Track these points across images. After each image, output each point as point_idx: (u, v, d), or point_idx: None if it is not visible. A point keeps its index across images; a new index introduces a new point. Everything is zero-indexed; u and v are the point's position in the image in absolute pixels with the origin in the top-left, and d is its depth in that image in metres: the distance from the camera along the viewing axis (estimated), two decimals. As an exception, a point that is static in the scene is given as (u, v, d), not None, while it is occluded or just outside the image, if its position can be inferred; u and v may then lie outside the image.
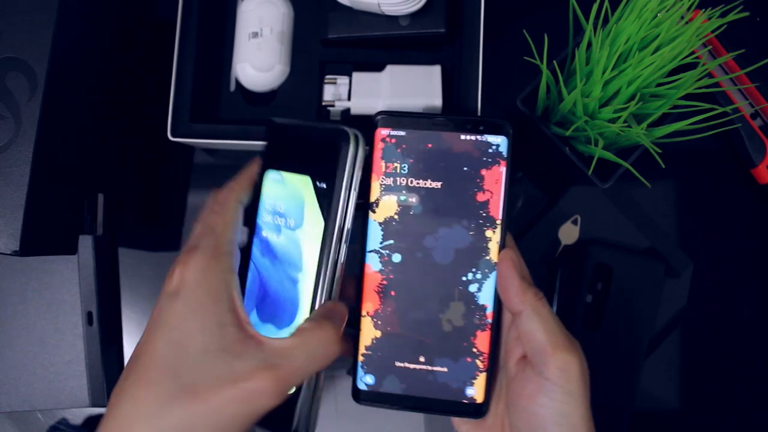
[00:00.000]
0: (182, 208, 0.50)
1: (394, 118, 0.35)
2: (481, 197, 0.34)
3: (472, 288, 0.34)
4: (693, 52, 0.39)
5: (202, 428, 0.25)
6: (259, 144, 0.44)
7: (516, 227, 0.50)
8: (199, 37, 0.45)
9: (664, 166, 0.40)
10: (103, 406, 0.45)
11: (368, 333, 0.34)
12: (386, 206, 0.35)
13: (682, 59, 0.38)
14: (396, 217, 0.35)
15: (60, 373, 0.45)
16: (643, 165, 0.43)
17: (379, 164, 0.35)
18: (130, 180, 0.50)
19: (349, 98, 0.46)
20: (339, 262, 0.31)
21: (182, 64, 0.44)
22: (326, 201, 0.30)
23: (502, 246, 0.34)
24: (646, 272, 0.46)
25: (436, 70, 0.46)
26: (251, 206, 0.33)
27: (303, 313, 0.31)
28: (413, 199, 0.35)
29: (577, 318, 0.46)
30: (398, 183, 0.34)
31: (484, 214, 0.34)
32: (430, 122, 0.34)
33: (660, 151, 0.40)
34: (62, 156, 0.41)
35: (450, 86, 0.46)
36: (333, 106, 0.46)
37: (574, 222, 0.48)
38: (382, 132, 0.35)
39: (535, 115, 0.44)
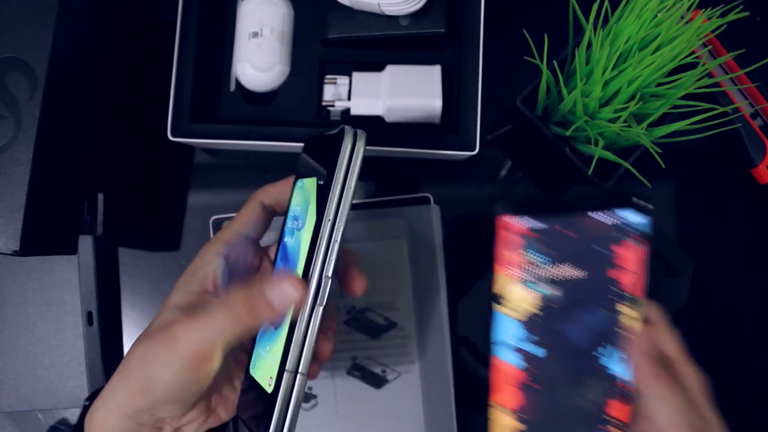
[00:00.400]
0: (182, 208, 0.50)
1: (524, 205, 0.34)
2: (623, 278, 0.32)
3: (610, 363, 0.33)
4: (693, 52, 0.39)
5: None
6: (260, 144, 0.44)
7: (516, 227, 0.50)
8: (199, 37, 0.45)
9: (664, 166, 0.40)
10: (103, 406, 0.45)
11: (510, 427, 0.33)
12: (524, 300, 0.33)
13: (682, 59, 0.38)
14: (537, 311, 0.33)
15: (60, 373, 0.45)
16: (643, 165, 0.43)
17: (511, 256, 0.33)
18: (130, 180, 0.50)
19: (349, 98, 0.46)
20: (329, 258, 0.30)
21: (182, 64, 0.44)
22: (324, 198, 0.30)
23: (642, 323, 0.32)
24: (646, 272, 0.46)
25: (436, 70, 0.46)
26: (283, 220, 0.34)
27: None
28: (553, 291, 0.33)
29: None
30: (535, 275, 0.33)
31: (626, 295, 0.32)
32: (564, 209, 0.33)
33: (660, 151, 0.40)
34: (62, 156, 0.41)
35: (450, 86, 0.46)
36: (333, 106, 0.46)
37: (574, 222, 0.48)
38: (512, 221, 0.34)
39: (535, 115, 0.44)
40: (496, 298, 0.33)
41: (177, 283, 0.33)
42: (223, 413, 0.33)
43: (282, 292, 0.29)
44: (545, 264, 0.33)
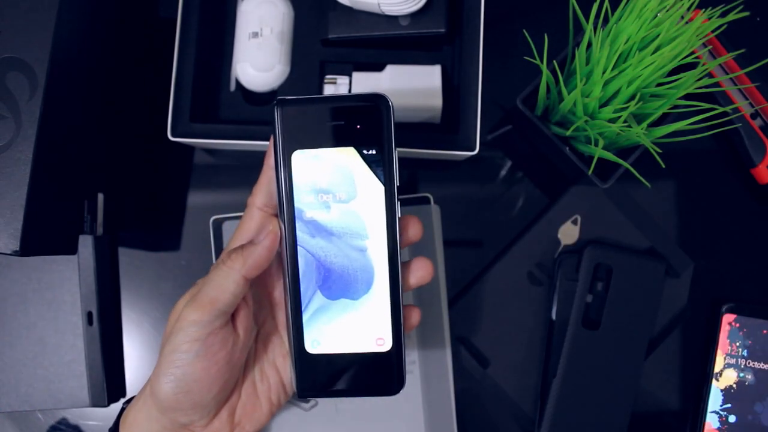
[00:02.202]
0: (182, 208, 0.50)
1: (741, 306, 0.47)
2: None
3: None
4: (693, 52, 0.39)
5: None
6: (260, 144, 0.44)
7: (516, 227, 0.50)
8: (199, 37, 0.45)
9: (664, 166, 0.40)
10: (103, 405, 0.45)
11: None
12: (727, 377, 0.46)
13: (682, 59, 0.38)
14: (734, 386, 0.47)
15: (60, 373, 0.45)
16: (643, 165, 0.43)
17: (725, 343, 0.47)
18: (130, 180, 0.50)
19: (349, 98, 0.46)
20: (398, 217, 0.32)
21: (182, 64, 0.44)
22: (380, 165, 0.31)
23: None
24: (646, 272, 0.46)
25: (436, 70, 0.46)
26: (284, 195, 0.32)
27: (380, 277, 0.32)
28: (749, 373, 0.47)
29: (577, 318, 0.46)
30: (738, 362, 0.47)
31: None
32: None
33: (660, 151, 0.40)
34: (62, 156, 0.41)
35: (450, 86, 0.46)
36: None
37: (574, 222, 0.48)
38: (729, 318, 0.47)
39: (535, 115, 0.44)
40: (716, 376, 0.47)
41: (193, 310, 0.31)
42: (249, 426, 0.34)
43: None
44: (744, 354, 0.47)
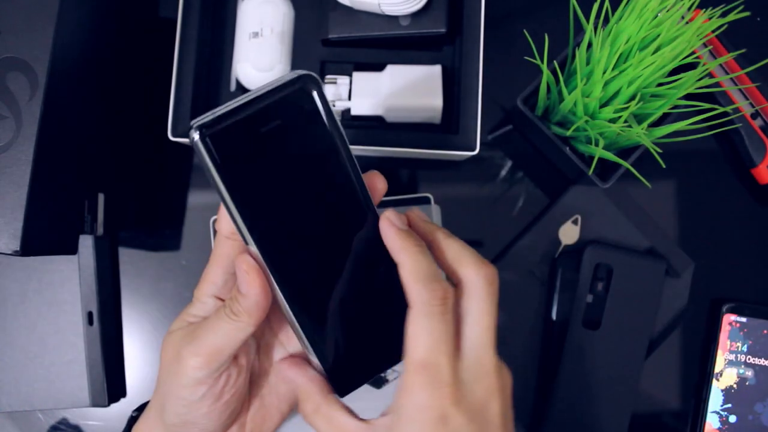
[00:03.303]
0: (182, 208, 0.50)
1: (741, 306, 0.47)
2: None
3: None
4: (693, 52, 0.39)
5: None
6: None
7: (516, 227, 0.50)
8: (199, 37, 0.45)
9: (664, 166, 0.40)
10: (104, 405, 0.45)
11: None
12: (728, 377, 0.46)
13: (683, 59, 0.38)
14: (735, 386, 0.46)
15: (60, 373, 0.45)
16: (643, 165, 0.43)
17: (725, 343, 0.47)
18: (130, 180, 0.50)
19: (349, 98, 0.46)
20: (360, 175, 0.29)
21: (182, 64, 0.44)
22: (331, 141, 0.28)
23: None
24: (646, 272, 0.46)
25: (436, 70, 0.46)
26: (243, 227, 0.28)
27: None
28: (749, 373, 0.46)
29: (577, 318, 0.46)
30: (738, 359, 0.47)
31: None
32: None
33: (660, 151, 0.40)
34: (62, 156, 0.41)
35: (450, 86, 0.46)
36: (333, 105, 0.46)
37: (574, 222, 0.48)
38: (730, 317, 0.47)
39: (536, 115, 0.44)
40: (716, 376, 0.47)
41: (196, 357, 0.30)
42: None
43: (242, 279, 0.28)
44: (744, 351, 0.47)
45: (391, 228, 0.29)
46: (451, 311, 0.28)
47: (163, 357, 0.31)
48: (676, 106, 0.42)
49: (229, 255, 0.30)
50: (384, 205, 0.48)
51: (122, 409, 0.48)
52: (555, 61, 0.42)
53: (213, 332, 0.29)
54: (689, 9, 0.38)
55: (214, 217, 0.48)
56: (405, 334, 0.28)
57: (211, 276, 0.31)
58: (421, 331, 0.27)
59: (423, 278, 0.28)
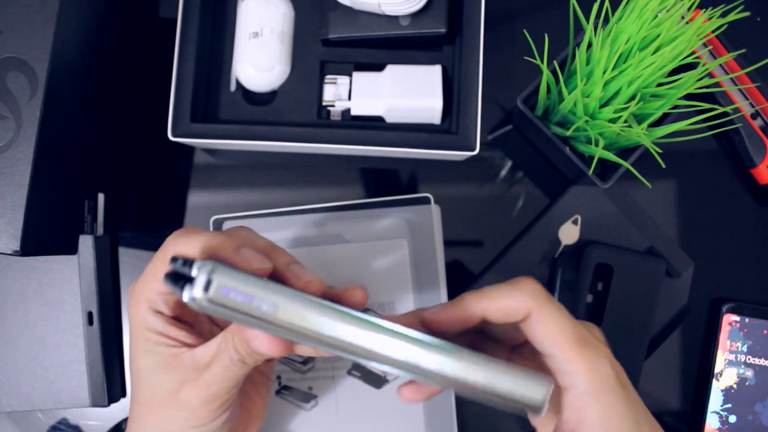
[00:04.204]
0: (182, 208, 0.50)
1: (741, 306, 0.47)
2: None
3: None
4: (693, 52, 0.39)
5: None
6: (260, 144, 0.44)
7: (516, 227, 0.50)
8: (199, 37, 0.45)
9: (664, 166, 0.40)
10: (104, 405, 0.45)
11: None
12: (728, 377, 0.46)
13: (683, 59, 0.38)
14: (735, 386, 0.46)
15: (60, 373, 0.45)
16: (643, 165, 0.43)
17: (725, 343, 0.47)
18: (131, 180, 0.50)
19: (349, 98, 0.46)
20: None
21: (182, 64, 0.44)
22: None
23: None
24: (646, 272, 0.46)
25: (436, 70, 0.46)
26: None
27: None
28: (749, 373, 0.46)
29: (578, 318, 0.46)
30: (738, 359, 0.47)
31: None
32: None
33: (660, 151, 0.40)
34: (62, 156, 0.41)
35: (450, 86, 0.46)
36: (333, 106, 0.46)
37: (574, 222, 0.48)
38: (730, 317, 0.47)
39: (536, 115, 0.44)
40: (716, 376, 0.47)
41: (133, 349, 0.31)
42: (252, 430, 0.33)
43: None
44: (744, 351, 0.46)
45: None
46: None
47: (147, 382, 0.30)
48: (676, 106, 0.42)
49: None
50: (384, 205, 0.48)
51: (122, 409, 0.48)
52: (555, 61, 0.42)
53: (223, 379, 0.29)
54: (689, 9, 0.38)
55: (215, 217, 0.48)
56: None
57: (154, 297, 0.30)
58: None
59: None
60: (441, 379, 0.26)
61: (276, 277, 0.29)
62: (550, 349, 0.28)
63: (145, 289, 0.30)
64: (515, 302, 0.28)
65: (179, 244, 0.29)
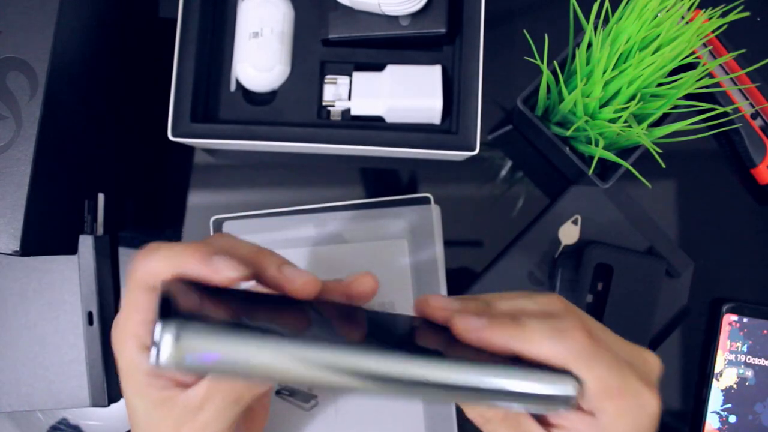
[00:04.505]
0: (182, 208, 0.50)
1: (741, 306, 0.47)
2: None
3: None
4: (693, 52, 0.39)
5: None
6: (260, 144, 0.44)
7: (516, 227, 0.50)
8: (199, 37, 0.45)
9: (664, 166, 0.40)
10: (104, 405, 0.45)
11: None
12: (728, 377, 0.46)
13: (683, 59, 0.38)
14: (735, 386, 0.46)
15: (60, 373, 0.45)
16: (643, 165, 0.43)
17: (725, 343, 0.47)
18: (131, 180, 0.50)
19: (349, 98, 0.46)
20: None
21: (182, 64, 0.44)
22: None
23: None
24: (646, 272, 0.46)
25: (436, 70, 0.46)
26: None
27: None
28: (749, 373, 0.46)
29: (578, 318, 0.46)
30: (738, 359, 0.47)
31: None
32: None
33: (660, 151, 0.40)
34: (62, 156, 0.41)
35: (450, 86, 0.46)
36: (333, 106, 0.46)
37: (574, 222, 0.48)
38: (730, 317, 0.47)
39: (536, 115, 0.44)
40: (716, 376, 0.47)
41: (125, 389, 0.29)
42: None
43: None
44: (744, 351, 0.46)
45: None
46: None
47: (145, 420, 0.28)
48: (676, 106, 0.42)
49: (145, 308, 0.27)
50: (384, 205, 0.48)
51: (122, 409, 0.48)
52: (555, 61, 0.42)
53: (219, 421, 0.27)
54: (689, 9, 0.38)
55: (215, 217, 0.48)
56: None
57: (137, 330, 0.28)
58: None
59: None
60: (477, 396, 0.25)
61: (268, 281, 0.28)
62: (591, 403, 0.27)
63: (128, 323, 0.28)
64: (556, 358, 0.26)
65: (148, 266, 0.27)
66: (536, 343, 0.26)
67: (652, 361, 0.29)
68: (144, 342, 0.27)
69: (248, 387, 0.27)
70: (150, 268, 0.27)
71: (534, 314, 0.28)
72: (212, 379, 0.27)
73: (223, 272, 0.26)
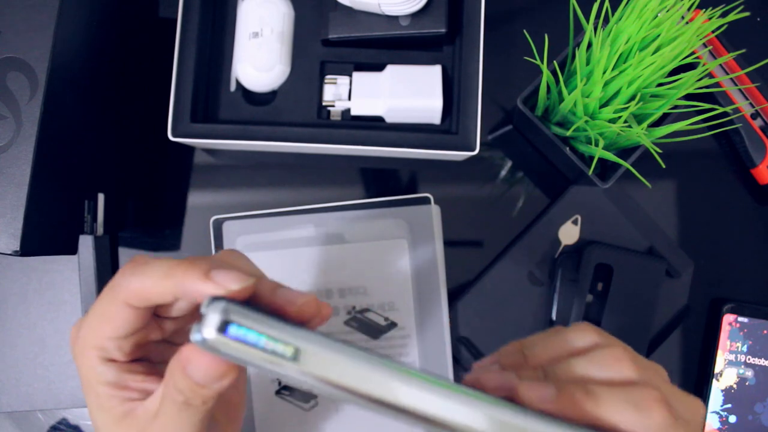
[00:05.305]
0: (182, 208, 0.50)
1: (741, 306, 0.47)
2: None
3: None
4: (693, 52, 0.39)
5: None
6: (260, 144, 0.44)
7: (516, 227, 0.50)
8: (199, 37, 0.45)
9: (664, 166, 0.40)
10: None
11: None
12: (728, 377, 0.46)
13: (683, 59, 0.38)
14: (735, 386, 0.46)
15: (60, 373, 0.45)
16: (643, 165, 0.43)
17: (725, 343, 0.46)
18: (130, 180, 0.50)
19: (349, 98, 0.46)
20: None
21: (182, 64, 0.44)
22: None
23: None
24: (646, 272, 0.46)
25: (436, 70, 0.46)
26: None
27: None
28: (749, 373, 0.46)
29: (577, 318, 0.46)
30: (738, 359, 0.46)
31: None
32: None
33: (660, 151, 0.40)
34: (62, 156, 0.41)
35: (450, 86, 0.46)
36: (333, 106, 0.46)
37: (574, 222, 0.48)
38: (730, 317, 0.47)
39: (536, 116, 0.44)
40: (716, 376, 0.47)
41: (87, 401, 0.28)
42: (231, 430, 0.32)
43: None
44: (744, 351, 0.46)
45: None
46: None
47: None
48: (676, 106, 0.42)
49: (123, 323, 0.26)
50: (384, 205, 0.48)
51: (122, 409, 0.48)
52: (555, 61, 0.42)
53: (176, 428, 0.26)
54: (689, 9, 0.38)
55: (214, 217, 0.48)
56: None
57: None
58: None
59: None
60: None
61: (263, 306, 0.26)
62: None
63: (92, 335, 0.26)
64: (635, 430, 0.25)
65: (134, 283, 0.25)
66: (614, 416, 0.25)
67: (702, 412, 0.28)
68: (108, 355, 0.26)
69: (195, 384, 0.25)
70: (136, 285, 0.25)
71: (600, 382, 0.26)
72: (165, 377, 0.26)
73: (226, 285, 0.24)
